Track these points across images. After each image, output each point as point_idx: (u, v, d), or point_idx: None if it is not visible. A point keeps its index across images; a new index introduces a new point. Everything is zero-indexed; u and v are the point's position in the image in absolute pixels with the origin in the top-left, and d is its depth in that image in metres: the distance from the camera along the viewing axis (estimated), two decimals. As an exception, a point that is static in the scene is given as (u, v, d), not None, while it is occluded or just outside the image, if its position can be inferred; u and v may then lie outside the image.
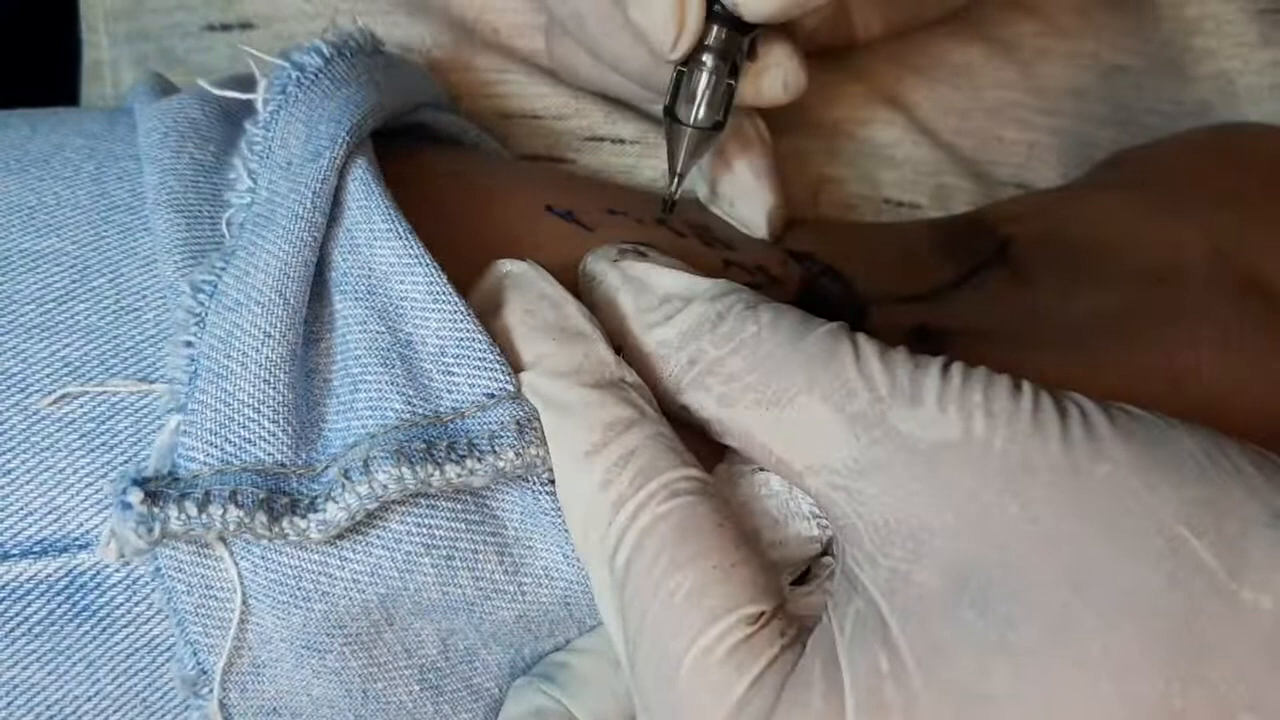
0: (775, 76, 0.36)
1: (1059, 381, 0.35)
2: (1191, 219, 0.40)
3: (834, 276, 0.39)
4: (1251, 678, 0.24)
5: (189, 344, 0.31)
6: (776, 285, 0.38)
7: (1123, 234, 0.40)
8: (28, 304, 0.32)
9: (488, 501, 0.31)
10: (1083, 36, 0.50)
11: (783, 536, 0.30)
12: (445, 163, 0.39)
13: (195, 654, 0.30)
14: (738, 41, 0.35)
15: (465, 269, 0.34)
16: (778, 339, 0.30)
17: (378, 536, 0.30)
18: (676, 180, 0.37)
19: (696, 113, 0.36)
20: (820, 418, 0.29)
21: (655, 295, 0.33)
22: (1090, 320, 0.38)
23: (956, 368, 0.29)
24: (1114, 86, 0.50)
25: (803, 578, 0.31)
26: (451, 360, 0.31)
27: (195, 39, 0.49)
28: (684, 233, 0.39)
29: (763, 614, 0.28)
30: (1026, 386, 0.28)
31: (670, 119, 0.36)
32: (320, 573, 0.30)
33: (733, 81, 0.36)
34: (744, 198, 0.39)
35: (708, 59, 0.35)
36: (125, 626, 0.31)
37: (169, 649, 0.31)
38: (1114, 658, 0.25)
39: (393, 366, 0.31)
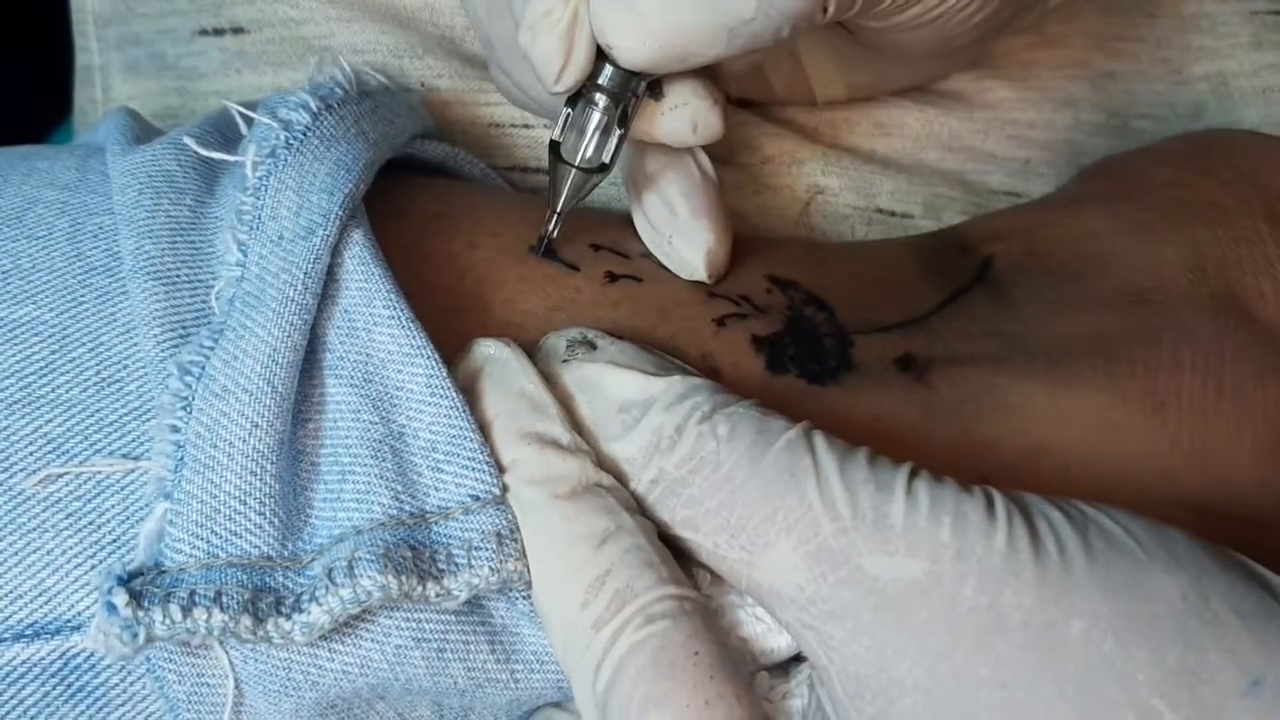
0: (681, 116, 0.34)
1: (1043, 407, 0.35)
2: (1172, 237, 0.39)
3: (819, 306, 0.38)
4: None
5: (175, 429, 0.30)
6: (761, 315, 0.37)
7: (1103, 253, 0.39)
8: (8, 377, 0.32)
9: None
10: (1072, 45, 0.48)
11: (775, 645, 0.30)
12: (429, 202, 0.38)
13: None
14: (630, 84, 0.33)
15: (449, 320, 0.34)
16: (735, 458, 0.29)
17: (367, 631, 0.30)
18: (556, 219, 0.36)
19: (583, 152, 0.34)
20: (784, 555, 0.28)
21: (610, 403, 0.32)
22: (1071, 343, 0.37)
23: (922, 487, 0.28)
24: (1106, 94, 0.49)
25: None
26: (442, 457, 0.30)
27: (186, 44, 0.48)
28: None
29: None
30: (1000, 511, 0.28)
31: (554, 156, 0.35)
32: (310, 665, 0.30)
33: (622, 130, 0.34)
34: (682, 237, 0.37)
35: (600, 98, 0.33)
36: (121, 706, 0.31)
37: (164, 728, 0.31)
38: None
39: (383, 460, 0.31)
